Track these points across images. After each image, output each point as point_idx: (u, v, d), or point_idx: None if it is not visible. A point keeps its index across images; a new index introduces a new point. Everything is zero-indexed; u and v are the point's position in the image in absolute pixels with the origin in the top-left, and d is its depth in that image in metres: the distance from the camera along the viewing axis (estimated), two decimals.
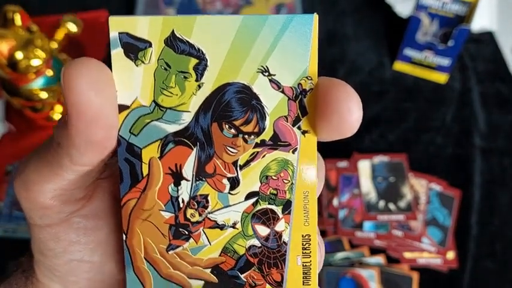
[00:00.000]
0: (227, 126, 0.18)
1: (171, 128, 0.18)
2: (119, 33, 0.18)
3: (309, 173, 0.20)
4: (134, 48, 0.18)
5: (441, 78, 0.78)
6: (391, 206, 0.66)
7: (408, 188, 0.67)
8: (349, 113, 0.19)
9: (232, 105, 0.18)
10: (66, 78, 0.17)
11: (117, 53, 0.18)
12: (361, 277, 0.61)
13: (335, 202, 0.67)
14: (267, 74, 0.18)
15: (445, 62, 0.75)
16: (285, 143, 0.19)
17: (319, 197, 0.67)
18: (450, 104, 0.76)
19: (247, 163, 0.19)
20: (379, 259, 0.63)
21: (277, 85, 0.18)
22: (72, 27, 0.70)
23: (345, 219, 0.66)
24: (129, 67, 0.18)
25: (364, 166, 0.69)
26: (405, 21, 0.75)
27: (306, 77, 0.18)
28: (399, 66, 0.79)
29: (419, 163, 0.71)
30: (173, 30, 0.17)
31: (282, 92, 0.18)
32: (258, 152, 0.19)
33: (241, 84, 0.18)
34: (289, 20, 0.18)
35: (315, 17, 0.18)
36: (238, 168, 0.19)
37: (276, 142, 0.19)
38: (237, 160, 0.19)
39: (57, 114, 0.71)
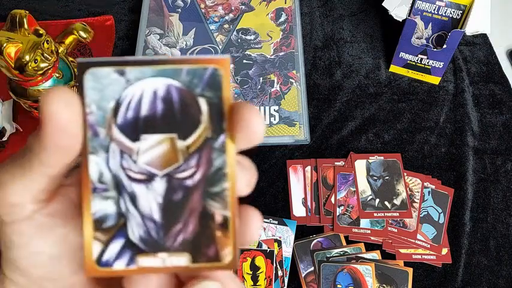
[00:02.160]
0: None
1: None
2: None
3: None
4: None
5: (435, 80, 0.79)
6: (387, 204, 0.68)
7: (403, 186, 0.69)
8: (256, 126, 0.25)
9: None
10: (45, 96, 0.23)
11: None
12: (358, 272, 0.63)
13: (332, 200, 0.69)
14: None
15: (440, 64, 0.76)
16: None
17: (317, 194, 0.69)
18: (444, 105, 0.78)
19: None
20: (375, 255, 0.65)
21: None
22: (83, 34, 0.74)
23: (342, 216, 0.68)
24: None
25: (361, 165, 0.71)
26: (401, 25, 0.76)
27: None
28: (395, 68, 0.80)
29: (413, 162, 0.72)
30: None
31: None
32: None
33: None
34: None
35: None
36: None
37: None
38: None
39: None
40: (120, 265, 0.26)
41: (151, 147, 0.25)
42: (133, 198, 0.26)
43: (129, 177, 0.26)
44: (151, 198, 0.26)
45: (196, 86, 0.25)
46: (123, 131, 0.25)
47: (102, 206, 0.26)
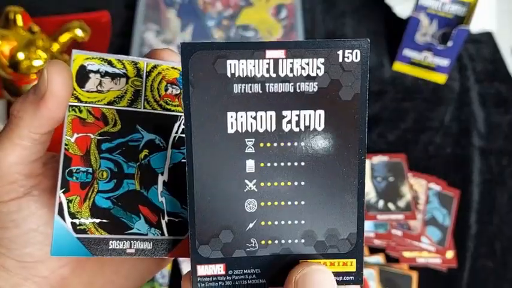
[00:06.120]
0: None
1: None
2: None
3: None
4: None
5: (440, 78, 0.78)
6: (391, 206, 0.66)
7: (407, 188, 0.67)
8: None
9: None
10: (49, 71, 0.25)
11: None
12: None
13: None
14: None
15: (444, 62, 0.75)
16: None
17: None
18: (449, 104, 0.76)
19: None
20: (379, 258, 0.64)
21: None
22: (80, 33, 0.71)
23: None
24: None
25: None
26: (404, 22, 0.75)
27: None
28: (398, 66, 0.79)
29: (418, 163, 0.71)
30: None
31: None
32: None
33: None
34: None
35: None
36: None
37: None
38: None
39: None
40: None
41: None
42: None
43: None
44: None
45: None
46: None
47: None
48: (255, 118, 0.23)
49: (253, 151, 0.23)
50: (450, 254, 0.64)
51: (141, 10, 0.83)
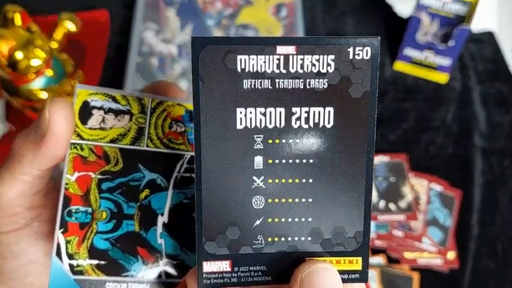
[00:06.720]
0: None
1: None
2: None
3: None
4: None
5: (442, 78, 0.77)
6: (392, 206, 0.66)
7: (409, 188, 0.67)
8: None
9: None
10: (51, 110, 0.25)
11: None
12: None
13: None
14: None
15: (446, 62, 0.74)
16: None
17: None
18: (450, 104, 0.76)
19: None
20: (380, 259, 0.63)
21: None
22: (71, 26, 0.69)
23: None
24: None
25: None
26: (405, 21, 0.75)
27: None
28: (399, 66, 0.78)
29: (419, 163, 0.70)
30: None
31: None
32: None
33: None
34: None
35: None
36: None
37: None
38: None
39: None
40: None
41: None
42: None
43: None
44: None
45: None
46: None
47: None
48: (264, 114, 0.23)
49: (262, 147, 0.23)
50: (451, 255, 0.64)
51: (140, 9, 0.83)
